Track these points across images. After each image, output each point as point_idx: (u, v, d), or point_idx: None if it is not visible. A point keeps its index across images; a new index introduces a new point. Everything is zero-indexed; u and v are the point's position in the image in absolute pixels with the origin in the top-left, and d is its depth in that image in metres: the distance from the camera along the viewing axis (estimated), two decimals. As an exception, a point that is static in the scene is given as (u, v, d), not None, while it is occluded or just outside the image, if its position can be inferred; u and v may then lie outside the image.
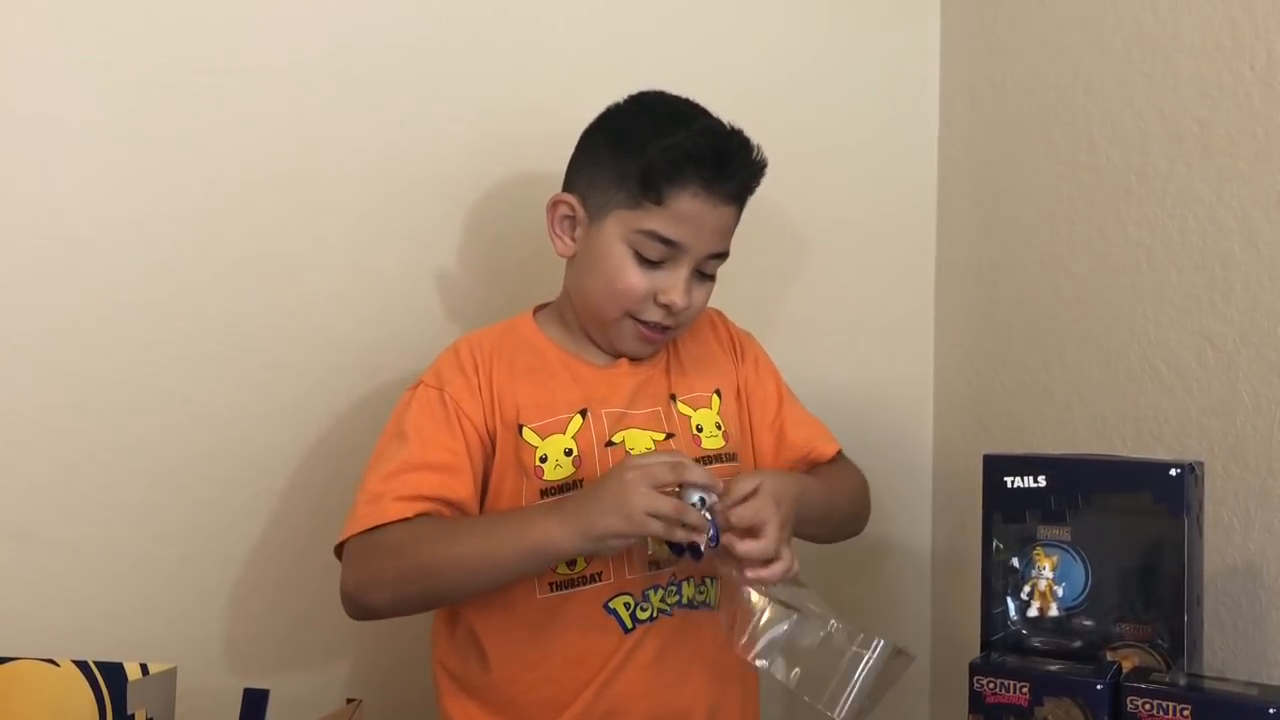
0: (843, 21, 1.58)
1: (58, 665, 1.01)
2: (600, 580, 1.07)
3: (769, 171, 1.52)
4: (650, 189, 1.07)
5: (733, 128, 1.11)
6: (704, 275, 1.13)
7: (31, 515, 1.22)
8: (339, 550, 1.07)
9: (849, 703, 0.95)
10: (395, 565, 1.02)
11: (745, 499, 1.00)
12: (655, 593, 1.09)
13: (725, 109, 1.49)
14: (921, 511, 1.64)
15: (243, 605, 1.31)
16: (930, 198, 1.63)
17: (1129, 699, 0.91)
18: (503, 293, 1.36)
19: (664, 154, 1.06)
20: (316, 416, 1.33)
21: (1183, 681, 0.93)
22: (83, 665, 1.01)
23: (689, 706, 1.10)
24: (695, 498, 1.00)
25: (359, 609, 1.06)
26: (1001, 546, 1.06)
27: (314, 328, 1.33)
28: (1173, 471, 0.99)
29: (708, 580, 1.11)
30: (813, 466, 1.20)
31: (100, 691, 1.00)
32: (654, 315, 1.11)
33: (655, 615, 1.09)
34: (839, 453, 1.23)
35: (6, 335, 1.20)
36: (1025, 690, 0.96)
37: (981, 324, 1.54)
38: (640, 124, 1.10)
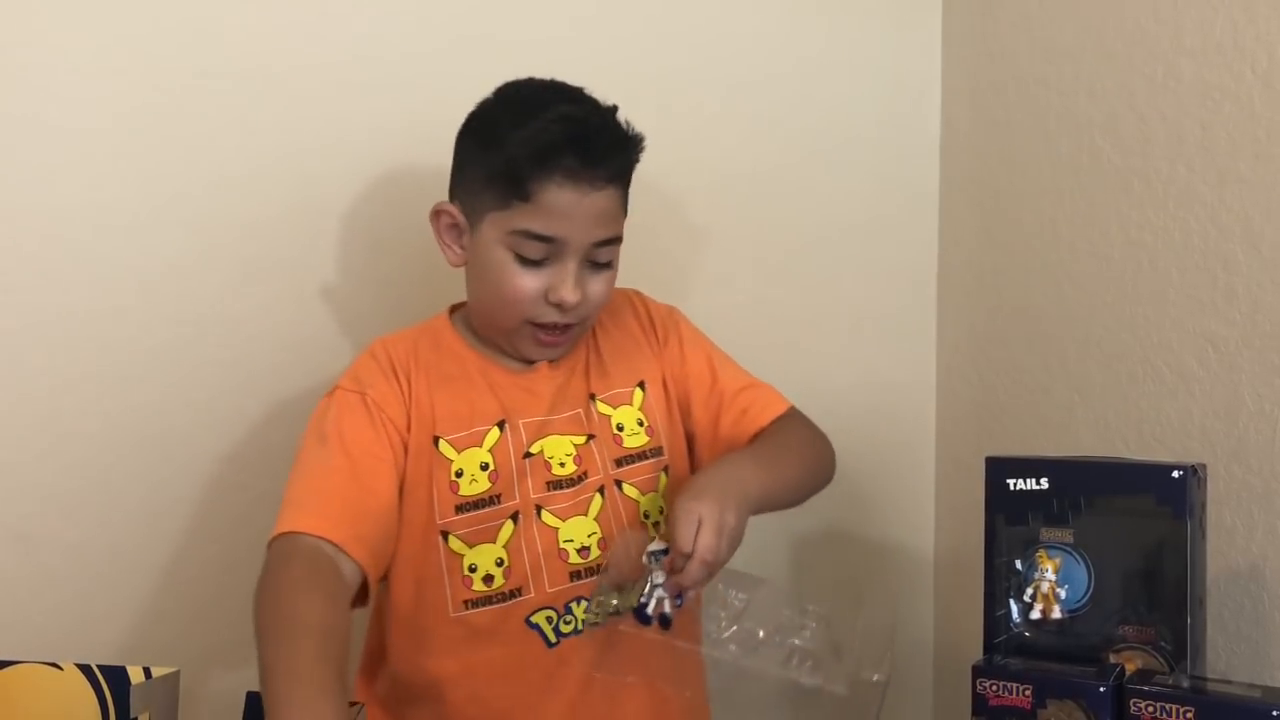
0: (844, 24, 1.58)
1: (60, 669, 1.01)
2: (520, 595, 1.05)
3: (771, 174, 1.54)
4: (515, 186, 1.02)
5: (596, 107, 1.05)
6: (598, 264, 1.07)
7: (34, 518, 1.22)
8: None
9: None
10: (258, 601, 0.96)
11: (691, 546, 0.96)
12: (578, 605, 1.06)
13: (726, 110, 1.50)
14: (924, 514, 1.64)
15: (246, 608, 1.30)
16: (932, 200, 1.63)
17: (1132, 701, 0.91)
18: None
19: (522, 147, 1.01)
20: (319, 420, 1.33)
21: (1185, 684, 0.93)
22: (85, 669, 1.01)
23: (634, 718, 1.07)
24: (653, 558, 0.98)
25: None
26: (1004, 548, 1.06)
27: (316, 331, 1.33)
28: (1175, 473, 0.99)
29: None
30: (755, 433, 1.15)
31: (103, 695, 1.00)
32: (550, 316, 1.06)
33: (581, 627, 1.05)
34: (786, 413, 1.16)
35: (9, 337, 1.21)
36: (1028, 693, 0.95)
37: (983, 326, 1.54)
38: (499, 119, 1.06)
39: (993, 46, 1.52)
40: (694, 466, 1.17)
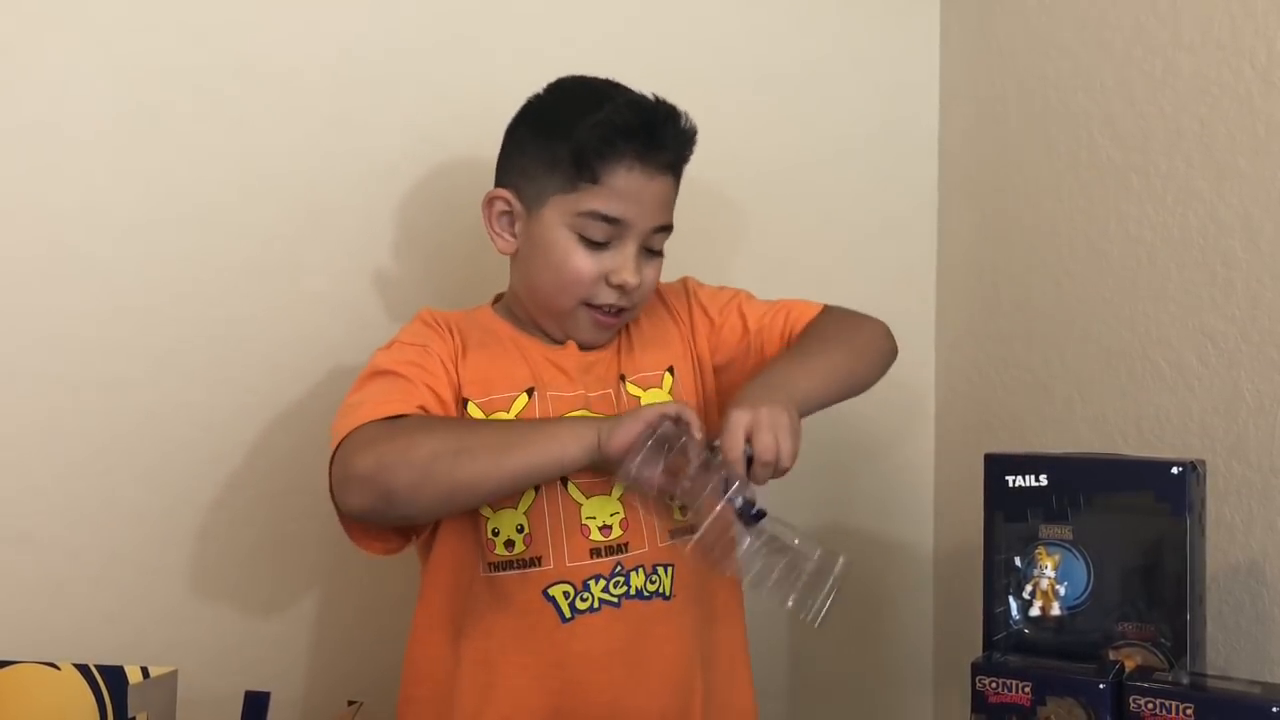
0: (843, 22, 1.58)
1: (58, 669, 1.01)
2: (540, 565, 1.05)
3: (771, 174, 1.54)
4: (585, 168, 1.05)
5: (658, 98, 1.09)
6: (651, 252, 1.11)
7: (32, 518, 1.22)
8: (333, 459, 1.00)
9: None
10: (428, 441, 0.98)
11: (739, 452, 0.96)
12: (596, 583, 1.05)
13: (724, 111, 1.50)
14: (923, 511, 1.64)
15: (244, 608, 1.31)
16: (931, 197, 1.63)
17: (1131, 698, 0.91)
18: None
19: (593, 131, 1.05)
20: (317, 419, 1.32)
21: (1185, 681, 0.93)
22: (83, 669, 1.01)
23: (645, 704, 1.06)
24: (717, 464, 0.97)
25: (374, 495, 0.97)
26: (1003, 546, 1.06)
27: (315, 331, 1.33)
28: (1175, 470, 0.99)
29: (659, 569, 1.07)
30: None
31: (101, 695, 1.00)
32: (608, 298, 1.09)
33: (598, 605, 1.05)
34: (822, 310, 1.18)
35: (7, 339, 1.21)
36: (1028, 690, 0.95)
37: (983, 323, 1.54)
38: (564, 107, 1.09)
39: (991, 44, 1.52)
40: None
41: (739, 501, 0.97)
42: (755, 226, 1.54)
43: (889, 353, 1.17)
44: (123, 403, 1.25)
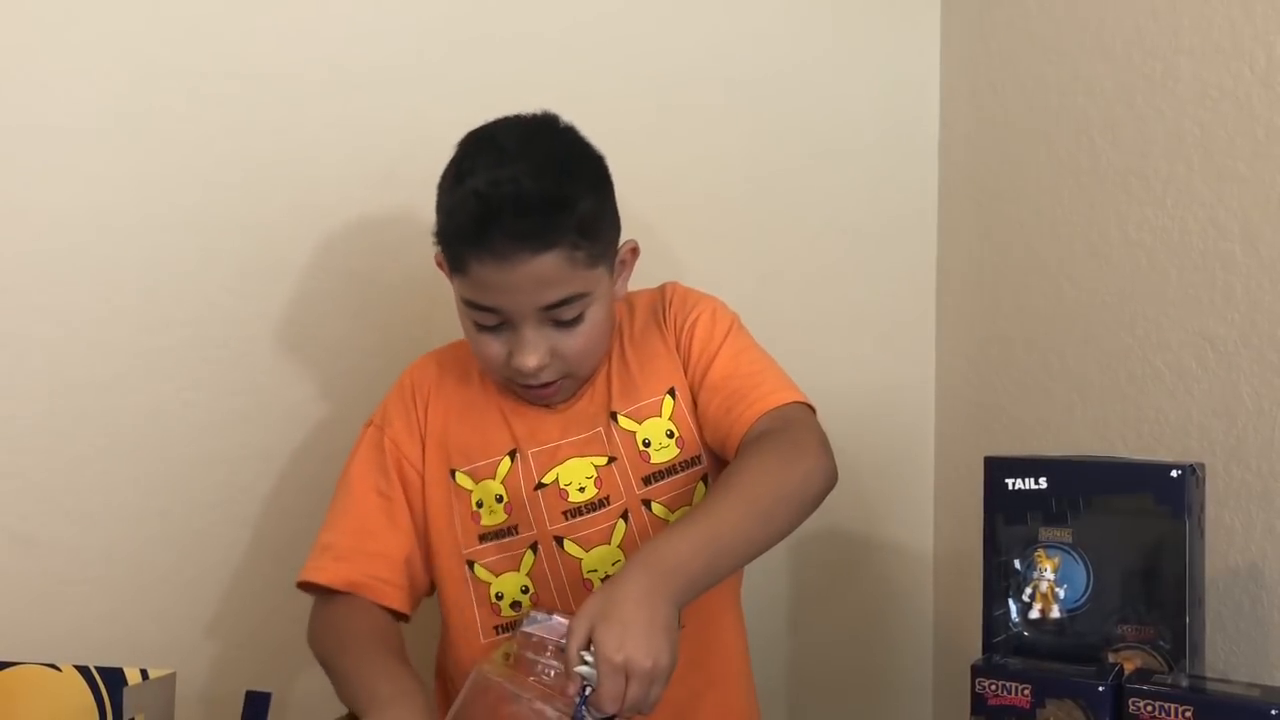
0: (843, 25, 1.58)
1: (58, 670, 1.01)
2: None
3: (771, 176, 1.54)
4: (452, 256, 0.98)
5: (517, 173, 0.94)
6: (564, 322, 0.99)
7: (32, 519, 1.22)
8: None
9: None
10: (317, 649, 1.06)
11: (619, 706, 0.84)
12: None
13: (725, 110, 1.50)
14: (923, 514, 1.64)
15: (243, 610, 1.31)
16: (931, 201, 1.64)
17: (1131, 701, 0.91)
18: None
19: (448, 222, 0.98)
20: (316, 421, 1.33)
21: (1185, 683, 0.93)
22: (83, 670, 1.01)
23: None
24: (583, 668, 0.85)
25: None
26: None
27: (314, 333, 1.33)
28: (1174, 473, 0.99)
29: None
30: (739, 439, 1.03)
31: (100, 696, 1.00)
32: (522, 378, 1.01)
33: None
34: (769, 415, 1.02)
35: (7, 340, 1.21)
36: (1027, 692, 0.95)
37: (983, 326, 1.54)
38: (443, 182, 1.01)
39: (991, 46, 1.52)
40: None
41: None
42: (755, 228, 1.54)
43: (809, 500, 0.99)
44: (122, 403, 1.25)
